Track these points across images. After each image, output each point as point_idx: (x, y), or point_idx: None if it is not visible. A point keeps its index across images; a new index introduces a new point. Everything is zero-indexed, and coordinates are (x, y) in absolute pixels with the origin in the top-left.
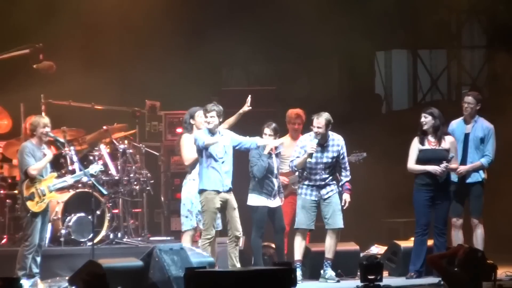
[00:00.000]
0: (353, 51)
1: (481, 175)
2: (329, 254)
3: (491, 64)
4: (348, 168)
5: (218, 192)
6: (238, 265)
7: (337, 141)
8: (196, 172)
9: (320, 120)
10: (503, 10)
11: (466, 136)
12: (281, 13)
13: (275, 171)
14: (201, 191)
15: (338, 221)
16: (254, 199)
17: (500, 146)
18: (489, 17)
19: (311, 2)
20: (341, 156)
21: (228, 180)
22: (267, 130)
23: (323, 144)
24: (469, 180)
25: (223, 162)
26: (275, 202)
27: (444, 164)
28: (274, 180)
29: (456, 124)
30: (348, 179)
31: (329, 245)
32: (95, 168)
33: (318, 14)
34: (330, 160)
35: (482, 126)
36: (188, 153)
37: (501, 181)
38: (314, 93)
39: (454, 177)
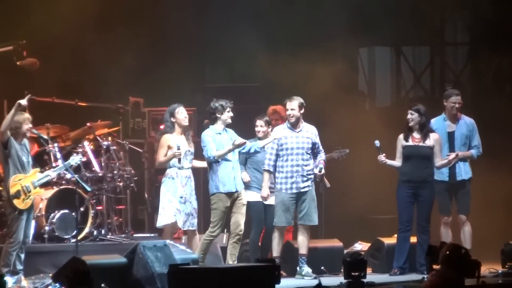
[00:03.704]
0: (336, 48)
1: (469, 173)
2: (303, 250)
3: (474, 61)
4: (323, 151)
5: (232, 193)
6: None
7: (310, 128)
8: (174, 170)
9: (293, 103)
10: (486, 7)
11: (450, 134)
12: (264, 10)
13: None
14: (215, 193)
15: (313, 218)
16: (248, 195)
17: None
18: (472, 14)
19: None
20: (316, 145)
21: (239, 179)
22: (259, 122)
23: (296, 130)
24: (459, 178)
25: (234, 162)
26: (270, 200)
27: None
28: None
29: (436, 122)
30: (323, 158)
31: (303, 241)
32: (75, 159)
33: (301, 11)
34: (306, 144)
35: (466, 122)
36: (161, 155)
37: (483, 177)
38: (297, 90)
39: (443, 176)
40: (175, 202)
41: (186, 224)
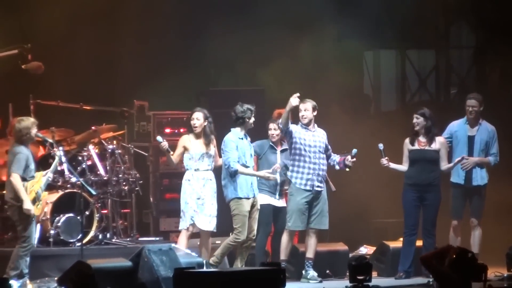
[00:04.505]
0: (341, 51)
1: (484, 179)
2: (310, 254)
3: (479, 64)
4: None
5: (249, 198)
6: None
7: (322, 131)
8: (190, 173)
9: (307, 104)
10: (491, 10)
11: (470, 138)
12: (270, 14)
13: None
14: (233, 198)
15: (324, 222)
16: (258, 198)
17: None
18: (477, 17)
19: (300, 3)
20: (328, 147)
21: (255, 185)
22: (272, 125)
23: (311, 130)
24: (474, 183)
25: (251, 168)
26: (281, 202)
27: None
28: (277, 176)
29: (457, 125)
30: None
31: (311, 245)
32: (57, 153)
33: (306, 14)
34: (321, 144)
35: (487, 129)
36: (174, 155)
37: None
38: (301, 94)
39: (460, 179)
40: (192, 203)
41: (211, 225)
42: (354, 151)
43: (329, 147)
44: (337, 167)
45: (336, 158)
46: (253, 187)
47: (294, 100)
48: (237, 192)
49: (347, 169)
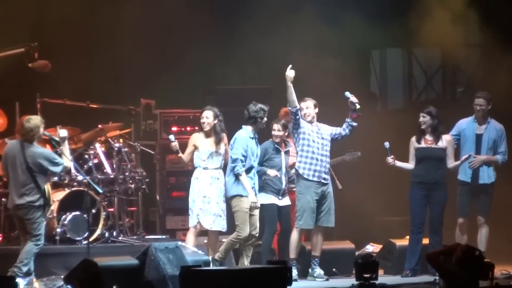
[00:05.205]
0: (348, 50)
1: (491, 178)
2: (317, 252)
3: (486, 62)
4: None
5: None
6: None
7: (325, 126)
8: (199, 171)
9: (308, 102)
10: (498, 9)
11: (478, 136)
12: (275, 12)
13: (283, 169)
14: (235, 195)
15: (331, 220)
16: (263, 198)
17: None
18: (484, 15)
19: (306, 1)
20: (334, 130)
21: (257, 184)
22: (276, 126)
23: (316, 126)
24: (481, 182)
25: (254, 168)
26: (284, 201)
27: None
28: (283, 178)
29: (466, 123)
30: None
31: (317, 243)
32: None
33: (313, 12)
34: (327, 136)
35: (496, 127)
36: (185, 153)
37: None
38: (307, 92)
39: (467, 177)
40: (198, 201)
41: (215, 224)
42: (346, 93)
43: (334, 128)
44: (351, 124)
45: (346, 122)
46: (255, 187)
47: (290, 72)
48: (240, 190)
49: (358, 107)
